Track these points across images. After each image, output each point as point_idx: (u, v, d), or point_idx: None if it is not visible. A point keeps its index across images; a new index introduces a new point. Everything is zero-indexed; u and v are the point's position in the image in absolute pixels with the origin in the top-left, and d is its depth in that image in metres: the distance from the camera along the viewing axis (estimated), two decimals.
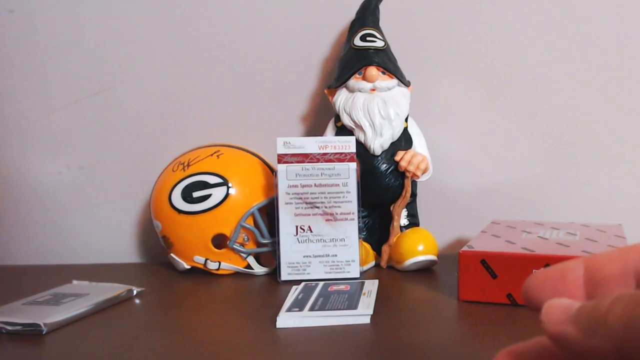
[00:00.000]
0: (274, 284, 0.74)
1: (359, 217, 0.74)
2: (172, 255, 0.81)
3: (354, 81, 0.79)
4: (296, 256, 0.73)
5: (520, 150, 0.91)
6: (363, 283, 0.69)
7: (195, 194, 0.77)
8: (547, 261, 0.59)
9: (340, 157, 0.74)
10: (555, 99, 0.90)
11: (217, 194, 0.77)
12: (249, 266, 0.79)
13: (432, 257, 0.77)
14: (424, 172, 0.79)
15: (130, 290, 0.69)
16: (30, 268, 0.88)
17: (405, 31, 0.89)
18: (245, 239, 0.79)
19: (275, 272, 0.76)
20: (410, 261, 0.76)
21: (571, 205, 0.90)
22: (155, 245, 0.89)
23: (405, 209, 0.82)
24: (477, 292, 0.62)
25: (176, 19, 0.91)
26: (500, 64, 0.90)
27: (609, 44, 0.88)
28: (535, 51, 0.89)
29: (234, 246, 0.77)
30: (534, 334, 0.24)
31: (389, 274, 0.78)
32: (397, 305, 0.63)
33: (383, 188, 0.80)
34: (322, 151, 0.74)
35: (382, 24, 0.83)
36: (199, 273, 0.80)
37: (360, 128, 0.78)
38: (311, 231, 0.73)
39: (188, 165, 0.79)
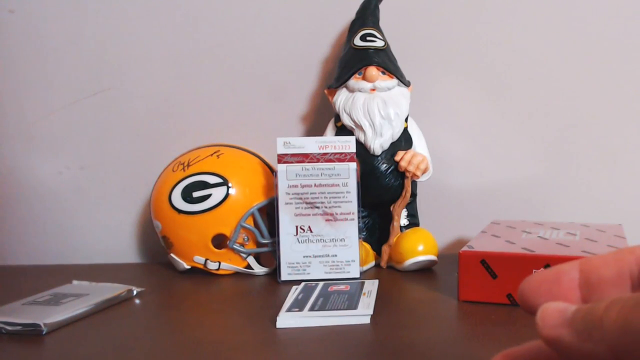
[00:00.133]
0: (274, 284, 0.74)
1: (359, 217, 0.74)
2: (172, 255, 0.81)
3: (354, 81, 0.79)
4: (296, 256, 0.73)
5: (520, 150, 0.91)
6: (363, 283, 0.69)
7: (195, 194, 0.77)
8: (547, 261, 0.59)
9: (340, 157, 0.74)
10: (555, 99, 0.90)
11: (217, 194, 0.77)
12: (249, 266, 0.79)
13: (432, 257, 0.77)
14: (424, 172, 0.79)
15: (130, 290, 0.69)
16: (30, 268, 0.88)
17: (405, 31, 0.89)
18: (245, 239, 0.79)
19: (275, 272, 0.76)
20: (410, 261, 0.76)
21: (571, 205, 0.90)
22: (155, 245, 0.89)
23: (405, 209, 0.82)
24: (477, 292, 0.62)
25: (176, 19, 0.91)
26: (500, 64, 0.90)
27: (609, 44, 0.88)
28: (535, 51, 0.89)
29: (234, 246, 0.77)
30: (534, 334, 0.24)
31: (389, 274, 0.78)
32: (397, 305, 0.63)
33: (383, 188, 0.80)
34: (322, 151, 0.74)
35: (382, 24, 0.83)
36: (199, 273, 0.80)
37: (360, 128, 0.78)
38: (311, 231, 0.73)
39: (188, 165, 0.79)
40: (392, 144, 0.79)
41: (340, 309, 0.58)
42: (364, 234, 0.82)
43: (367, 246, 0.81)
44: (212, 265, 0.78)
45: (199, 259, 0.79)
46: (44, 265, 0.90)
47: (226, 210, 0.77)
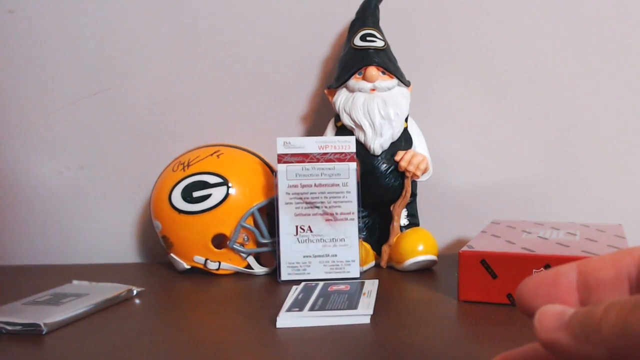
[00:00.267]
0: (274, 284, 0.74)
1: (359, 217, 0.74)
2: (172, 255, 0.81)
3: (354, 81, 0.79)
4: (296, 256, 0.73)
5: (520, 150, 0.91)
6: (363, 283, 0.69)
7: (195, 194, 0.77)
8: (547, 261, 0.59)
9: (340, 157, 0.74)
10: (555, 99, 0.90)
11: (217, 193, 0.77)
12: (249, 266, 0.79)
13: (432, 257, 0.77)
14: (424, 172, 0.79)
15: (130, 290, 0.69)
16: (30, 268, 0.88)
17: (405, 31, 0.89)
18: (245, 239, 0.79)
19: (275, 272, 0.76)
20: (410, 261, 0.76)
21: (571, 205, 0.90)
22: (155, 245, 0.89)
23: (405, 209, 0.82)
24: (477, 292, 0.62)
25: (176, 19, 0.91)
26: (500, 64, 0.90)
27: (609, 44, 0.88)
28: (535, 51, 0.89)
29: (234, 246, 0.77)
30: (533, 334, 0.24)
31: (389, 274, 0.78)
32: (397, 305, 0.63)
33: (383, 188, 0.80)
34: (322, 151, 0.74)
35: (382, 24, 0.83)
36: (199, 273, 0.80)
37: (360, 128, 0.78)
38: (311, 231, 0.73)
39: (188, 165, 0.79)
40: (392, 144, 0.79)
41: (340, 309, 0.58)
42: (364, 234, 0.82)
43: (367, 246, 0.81)
44: (212, 265, 0.78)
45: (199, 259, 0.79)
46: (44, 265, 0.90)
47: (226, 210, 0.77)
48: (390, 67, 0.79)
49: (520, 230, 0.73)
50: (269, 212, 0.80)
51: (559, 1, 0.88)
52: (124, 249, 0.95)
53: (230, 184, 0.78)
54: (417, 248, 0.77)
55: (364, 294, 0.64)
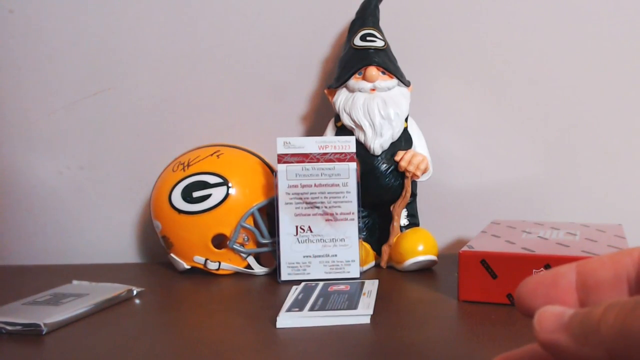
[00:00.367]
0: (274, 284, 0.74)
1: (359, 217, 0.74)
2: (172, 255, 0.81)
3: (354, 81, 0.79)
4: (296, 256, 0.73)
5: (520, 150, 0.91)
6: (363, 283, 0.69)
7: (195, 194, 0.77)
8: (547, 261, 0.59)
9: (340, 157, 0.74)
10: (556, 99, 0.90)
11: (217, 194, 0.77)
12: (249, 266, 0.79)
13: (432, 257, 0.77)
14: (424, 172, 0.79)
15: (130, 290, 0.69)
16: (30, 268, 0.88)
17: (405, 31, 0.89)
18: (245, 239, 0.79)
19: (275, 272, 0.76)
20: (410, 261, 0.76)
21: (571, 205, 0.90)
22: (155, 245, 0.89)
23: (405, 209, 0.82)
24: (477, 292, 0.62)
25: (176, 19, 0.91)
26: (501, 64, 0.90)
27: (609, 44, 0.88)
28: (535, 51, 0.89)
29: (234, 246, 0.77)
30: (533, 335, 0.24)
31: (389, 274, 0.78)
32: (397, 305, 0.63)
33: (383, 188, 0.80)
34: (322, 151, 0.74)
35: (382, 23, 0.83)
36: (199, 273, 0.80)
37: (360, 128, 0.78)
38: (311, 231, 0.73)
39: (188, 165, 0.79)
40: (392, 144, 0.79)
41: (340, 309, 0.58)
42: (364, 234, 0.82)
43: (367, 246, 0.81)
44: (212, 265, 0.78)
45: (199, 259, 0.79)
46: (44, 265, 0.90)
47: (226, 210, 0.77)
48: (390, 67, 0.79)
49: (520, 230, 0.73)
50: (269, 212, 0.80)
51: (559, 1, 0.88)
52: (124, 249, 0.95)
53: (230, 184, 0.78)
54: (417, 248, 0.77)
55: (364, 294, 0.64)
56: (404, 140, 0.80)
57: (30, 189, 0.94)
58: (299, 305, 0.60)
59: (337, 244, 0.74)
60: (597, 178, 0.90)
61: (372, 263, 0.81)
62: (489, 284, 0.61)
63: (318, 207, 0.73)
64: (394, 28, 0.86)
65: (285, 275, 0.73)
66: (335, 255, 0.74)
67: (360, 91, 0.78)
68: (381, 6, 0.84)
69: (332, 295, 0.63)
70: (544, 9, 0.89)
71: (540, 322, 0.24)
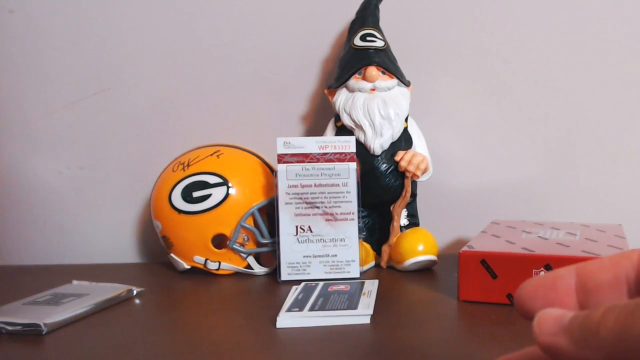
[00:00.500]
0: (274, 284, 0.74)
1: (359, 217, 0.74)
2: (172, 255, 0.81)
3: (354, 81, 0.79)
4: (296, 256, 0.73)
5: (520, 150, 0.91)
6: (363, 283, 0.69)
7: (195, 194, 0.77)
8: (547, 261, 0.59)
9: (340, 157, 0.74)
10: (556, 99, 0.90)
11: (217, 193, 0.77)
12: (249, 266, 0.79)
13: (432, 257, 0.77)
14: (424, 172, 0.79)
15: (130, 290, 0.69)
16: (30, 268, 0.88)
17: (405, 31, 0.89)
18: (245, 239, 0.79)
19: (275, 272, 0.76)
20: (410, 261, 0.76)
21: (571, 205, 0.90)
22: (155, 245, 0.89)
23: (405, 209, 0.82)
24: (477, 292, 0.62)
25: (176, 19, 0.91)
26: (501, 64, 0.90)
27: (609, 45, 0.88)
28: (535, 51, 0.89)
29: (234, 246, 0.77)
30: (533, 338, 0.24)
31: (389, 274, 0.78)
32: (397, 305, 0.63)
33: (383, 188, 0.80)
34: (322, 151, 0.74)
35: (382, 24, 0.83)
36: (199, 273, 0.80)
37: (360, 128, 0.78)
38: (311, 231, 0.73)
39: (188, 165, 0.79)
40: (392, 144, 0.79)
41: (340, 309, 0.58)
42: (364, 234, 0.82)
43: (367, 246, 0.81)
44: (212, 265, 0.78)
45: (199, 259, 0.79)
46: (44, 265, 0.90)
47: (226, 210, 0.77)
48: (390, 67, 0.79)
49: (520, 230, 0.73)
50: (269, 212, 0.80)
51: (559, 1, 0.88)
52: (124, 249, 0.95)
53: (230, 184, 0.78)
54: (417, 248, 0.77)
55: (364, 294, 0.64)
56: (404, 140, 0.80)
57: (30, 189, 0.94)
58: (299, 305, 0.60)
59: (337, 244, 0.74)
60: (597, 178, 0.90)
61: (372, 263, 0.81)
62: (489, 284, 0.61)
63: (318, 207, 0.73)
64: (394, 28, 0.86)
65: (285, 275, 0.73)
66: (335, 255, 0.74)
67: (360, 91, 0.78)
68: (381, 6, 0.84)
69: (332, 295, 0.63)
70: (544, 9, 0.88)
71: (540, 325, 0.24)
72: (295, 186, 0.73)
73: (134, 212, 0.94)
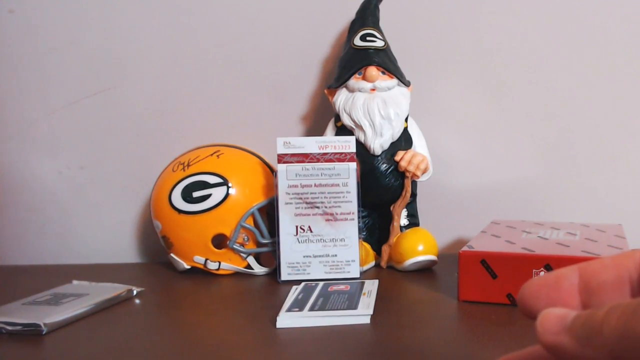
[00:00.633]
0: (274, 284, 0.74)
1: (359, 217, 0.74)
2: (172, 255, 0.81)
3: (354, 81, 0.79)
4: (296, 256, 0.73)
5: (520, 150, 0.91)
6: (363, 283, 0.69)
7: (195, 194, 0.77)
8: (547, 261, 0.59)
9: (340, 157, 0.74)
10: (555, 99, 0.90)
11: (217, 193, 0.77)
12: (249, 266, 0.79)
13: (432, 257, 0.77)
14: (424, 172, 0.79)
15: (130, 290, 0.69)
16: (30, 268, 0.88)
17: (405, 31, 0.89)
18: (245, 239, 0.79)
19: (275, 272, 0.76)
20: (410, 261, 0.76)
21: (571, 205, 0.90)
22: (155, 245, 0.89)
23: (405, 209, 0.82)
24: (477, 292, 0.62)
25: (176, 19, 0.91)
26: (501, 64, 0.90)
27: (609, 45, 0.88)
28: (535, 51, 0.89)
29: (234, 246, 0.77)
30: (534, 335, 0.24)
31: (389, 274, 0.77)
32: (397, 305, 0.63)
33: (383, 188, 0.80)
34: (322, 151, 0.74)
35: (382, 23, 0.83)
36: (199, 273, 0.80)
37: (360, 128, 0.78)
38: (311, 231, 0.73)
39: (188, 165, 0.79)
40: (392, 144, 0.79)
41: (340, 309, 0.58)
42: (364, 234, 0.82)
43: (367, 246, 0.81)
44: (212, 265, 0.78)
45: (199, 259, 0.79)
46: (43, 265, 0.90)
47: (226, 210, 0.77)
48: (390, 67, 0.79)
49: (520, 230, 0.73)
50: (269, 212, 0.80)
51: (559, 2, 0.88)
52: (124, 249, 0.95)
53: (230, 184, 0.78)
54: (417, 248, 0.77)
55: (364, 294, 0.64)
56: (404, 140, 0.80)
57: (29, 189, 0.94)
58: (299, 305, 0.60)
59: (337, 244, 0.74)
60: (597, 178, 0.90)
61: (372, 263, 0.81)
62: (489, 284, 0.61)
63: (318, 207, 0.73)
64: (394, 28, 0.86)
65: (285, 275, 0.73)
66: (335, 255, 0.74)
67: (360, 91, 0.78)
68: (381, 6, 0.84)
69: (332, 295, 0.63)
70: (544, 10, 0.88)
71: (543, 324, 0.24)
72: (295, 186, 0.73)
73: (134, 212, 0.94)
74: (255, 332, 0.56)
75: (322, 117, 0.90)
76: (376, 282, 0.69)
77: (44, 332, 0.56)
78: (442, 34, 0.90)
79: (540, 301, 0.26)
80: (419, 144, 0.82)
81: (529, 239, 0.68)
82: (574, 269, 0.26)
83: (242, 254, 0.78)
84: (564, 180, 0.91)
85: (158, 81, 0.92)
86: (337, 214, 0.74)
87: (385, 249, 0.81)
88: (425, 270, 0.77)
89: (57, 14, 0.91)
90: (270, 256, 0.80)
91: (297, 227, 0.74)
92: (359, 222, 0.74)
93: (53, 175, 0.94)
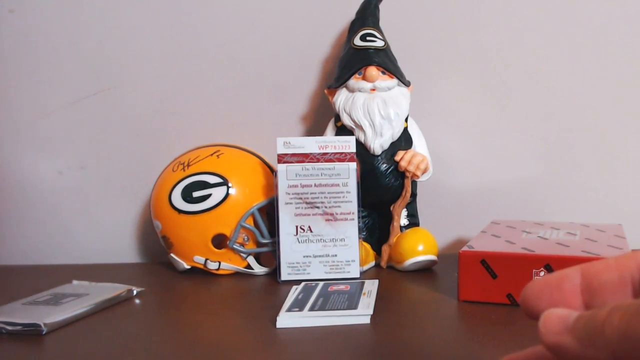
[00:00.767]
0: (274, 284, 0.74)
1: (359, 217, 0.74)
2: (172, 255, 0.81)
3: (354, 81, 0.79)
4: (296, 256, 0.73)
5: (520, 150, 0.91)
6: (363, 283, 0.69)
7: (195, 194, 0.77)
8: (547, 261, 0.59)
9: (340, 157, 0.74)
10: (555, 99, 0.90)
11: (217, 193, 0.77)
12: (249, 266, 0.79)
13: (432, 257, 0.77)
14: (424, 172, 0.79)
15: (130, 290, 0.69)
16: (30, 268, 0.88)
17: (405, 31, 0.89)
18: (245, 239, 0.79)
19: (275, 272, 0.76)
20: (410, 261, 0.76)
21: (571, 205, 0.90)
22: (155, 245, 0.89)
23: (405, 209, 0.82)
24: (477, 292, 0.62)
25: (176, 19, 0.91)
26: (501, 64, 0.90)
27: (609, 45, 0.88)
28: (535, 51, 0.89)
29: (234, 246, 0.77)
30: (534, 335, 0.24)
31: (389, 274, 0.77)
32: (397, 305, 0.63)
33: (383, 188, 0.80)
34: (322, 151, 0.74)
35: (382, 23, 0.83)
36: (199, 273, 0.80)
37: (360, 128, 0.78)
38: (311, 231, 0.73)
39: (188, 165, 0.79)
40: (392, 143, 0.79)
41: (340, 309, 0.58)
42: (364, 234, 0.82)
43: (367, 246, 0.81)
44: (212, 265, 0.78)
45: (199, 259, 0.79)
46: (43, 265, 0.90)
47: (226, 210, 0.77)
48: (390, 67, 0.79)
49: (520, 230, 0.73)
50: (269, 212, 0.80)
51: (559, 2, 0.88)
52: (123, 249, 0.95)
53: (230, 184, 0.78)
54: (417, 248, 0.77)
55: (364, 294, 0.64)
56: (404, 140, 0.80)
57: (30, 189, 0.94)
58: (299, 305, 0.60)
59: (337, 244, 0.74)
60: (597, 178, 0.90)
61: (372, 263, 0.81)
62: (489, 283, 0.61)
63: (318, 207, 0.73)
64: (394, 28, 0.86)
65: (285, 275, 0.73)
66: (335, 255, 0.74)
67: (360, 91, 0.78)
68: (381, 6, 0.84)
69: (332, 295, 0.63)
70: (544, 10, 0.89)
71: (546, 325, 0.24)
72: (295, 186, 0.73)
73: (134, 212, 0.94)
74: (255, 332, 0.56)
75: (322, 117, 0.90)
76: (376, 282, 0.69)
77: (44, 332, 0.56)
78: (442, 34, 0.90)
79: (542, 302, 0.26)
80: (419, 144, 0.82)
81: (529, 239, 0.68)
82: (576, 269, 0.26)
83: (242, 254, 0.78)
84: (564, 180, 0.91)
85: (158, 81, 0.92)
86: (337, 214, 0.74)
87: (385, 249, 0.81)
88: (425, 270, 0.77)
89: (57, 14, 0.91)
90: (270, 256, 0.80)
91: (297, 227, 0.74)
92: (359, 222, 0.74)
93: (53, 175, 0.94)
